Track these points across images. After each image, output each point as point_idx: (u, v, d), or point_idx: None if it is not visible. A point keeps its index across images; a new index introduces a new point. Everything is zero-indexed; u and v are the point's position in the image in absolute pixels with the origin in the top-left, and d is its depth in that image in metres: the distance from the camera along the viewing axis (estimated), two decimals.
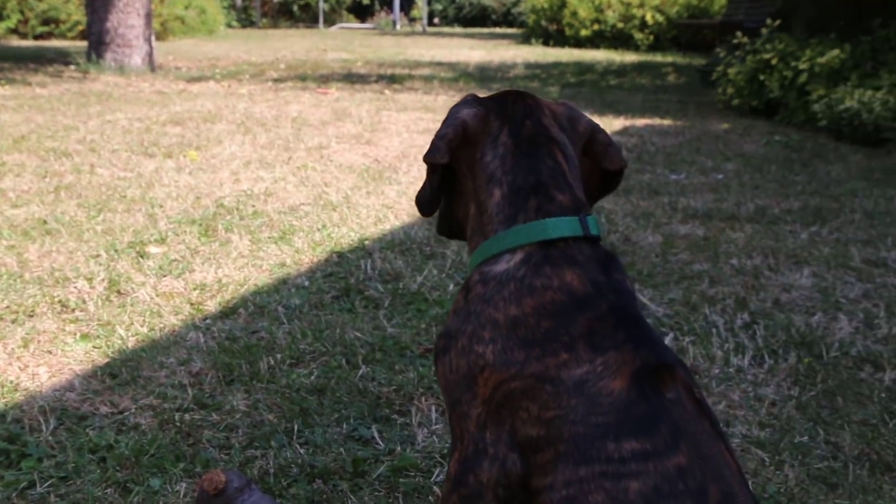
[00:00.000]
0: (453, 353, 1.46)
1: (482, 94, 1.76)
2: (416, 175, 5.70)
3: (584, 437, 1.34)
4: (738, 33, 9.15)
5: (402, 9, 35.59)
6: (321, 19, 34.24)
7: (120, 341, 2.96)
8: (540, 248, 1.48)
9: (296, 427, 2.42)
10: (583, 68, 15.06)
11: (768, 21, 8.90)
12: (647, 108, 9.54)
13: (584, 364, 1.38)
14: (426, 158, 1.57)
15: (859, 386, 2.79)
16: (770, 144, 7.30)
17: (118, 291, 3.41)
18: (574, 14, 21.81)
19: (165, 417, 2.46)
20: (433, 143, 1.57)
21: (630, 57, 18.00)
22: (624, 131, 7.91)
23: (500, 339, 1.41)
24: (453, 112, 1.61)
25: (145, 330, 3.06)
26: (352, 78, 12.40)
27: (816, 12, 9.92)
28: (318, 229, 4.32)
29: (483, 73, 13.81)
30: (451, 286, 3.57)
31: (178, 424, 2.42)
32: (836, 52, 8.06)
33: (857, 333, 3.22)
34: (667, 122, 8.56)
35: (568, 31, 22.00)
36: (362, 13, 38.75)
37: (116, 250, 3.88)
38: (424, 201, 1.67)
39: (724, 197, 5.34)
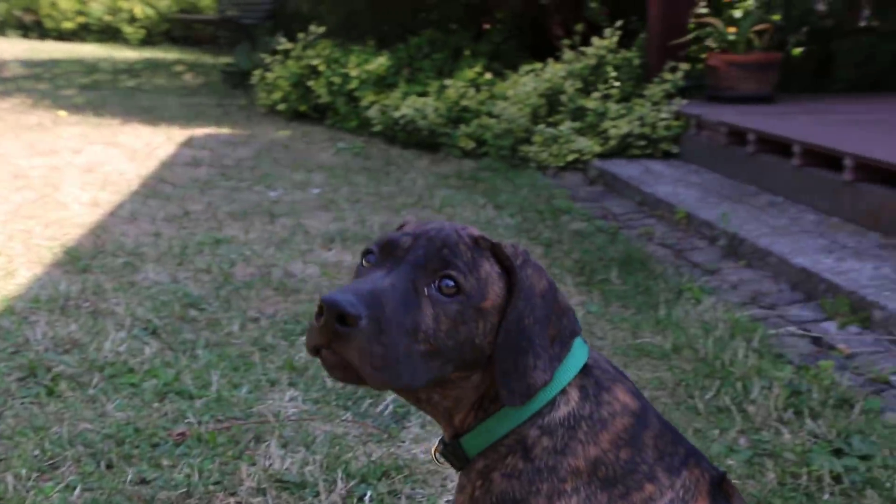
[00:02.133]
0: None
1: None
2: (18, 202, 5.01)
3: None
4: (283, 38, 9.17)
5: None
6: None
7: None
8: (584, 376, 1.41)
9: None
10: (88, 67, 14.16)
11: (311, 27, 9.03)
12: (192, 115, 9.23)
13: (666, 492, 1.36)
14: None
15: None
16: (340, 152, 7.45)
17: None
18: (53, 4, 20.45)
19: None
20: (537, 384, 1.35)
21: (128, 53, 17.24)
22: (189, 143, 7.60)
23: (583, 487, 1.34)
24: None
25: None
26: None
27: (338, 19, 10.32)
28: None
29: None
30: (148, 350, 3.22)
31: None
32: (382, 59, 8.43)
33: None
34: (224, 130, 8.37)
35: (48, 23, 20.55)
36: None
37: None
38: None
39: (342, 215, 5.33)
